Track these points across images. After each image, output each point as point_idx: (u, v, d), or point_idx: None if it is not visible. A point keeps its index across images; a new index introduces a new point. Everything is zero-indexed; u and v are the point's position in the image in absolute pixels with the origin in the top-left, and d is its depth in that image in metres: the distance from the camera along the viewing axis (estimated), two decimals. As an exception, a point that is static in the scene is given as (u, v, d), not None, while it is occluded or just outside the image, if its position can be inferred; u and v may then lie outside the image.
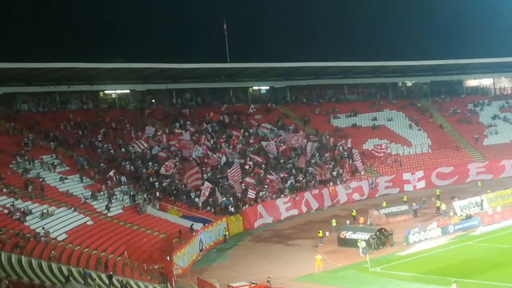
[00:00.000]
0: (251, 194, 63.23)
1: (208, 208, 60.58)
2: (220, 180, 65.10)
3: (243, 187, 64.13)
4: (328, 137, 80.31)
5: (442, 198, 64.25)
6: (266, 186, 66.33)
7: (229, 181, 64.37)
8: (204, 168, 65.20)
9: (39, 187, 54.36)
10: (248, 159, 69.68)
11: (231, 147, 71.51)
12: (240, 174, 65.21)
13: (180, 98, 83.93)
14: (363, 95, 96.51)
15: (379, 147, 78.73)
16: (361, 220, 58.17)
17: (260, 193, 64.92)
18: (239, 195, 63.26)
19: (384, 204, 62.58)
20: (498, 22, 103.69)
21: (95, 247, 48.05)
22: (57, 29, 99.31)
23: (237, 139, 74.02)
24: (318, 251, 45.64)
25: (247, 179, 65.71)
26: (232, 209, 61.50)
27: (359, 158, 74.82)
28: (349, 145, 78.81)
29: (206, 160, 67.12)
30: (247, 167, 68.20)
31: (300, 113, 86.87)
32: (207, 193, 60.31)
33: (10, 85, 69.49)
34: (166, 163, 63.20)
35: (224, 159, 68.00)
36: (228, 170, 64.65)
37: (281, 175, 68.89)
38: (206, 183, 61.08)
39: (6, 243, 42.50)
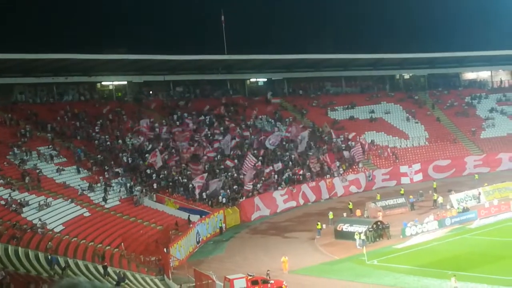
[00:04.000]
0: (248, 186, 63.21)
1: (205, 200, 60.59)
2: (218, 172, 65.12)
3: (251, 178, 64.07)
4: (321, 129, 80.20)
5: (439, 191, 64.36)
6: (263, 178, 66.33)
7: (232, 172, 64.61)
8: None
9: (36, 179, 54.28)
10: (245, 151, 69.62)
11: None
12: (253, 163, 65.64)
13: (178, 89, 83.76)
14: (361, 88, 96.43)
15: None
16: (358, 212, 58.26)
17: (258, 185, 65.00)
18: (237, 187, 63.26)
19: (378, 197, 62.63)
20: (496, 15, 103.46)
21: (92, 239, 48.05)
22: (55, 20, 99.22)
23: (234, 131, 73.93)
24: (284, 255, 45.19)
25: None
26: (224, 200, 61.44)
27: (360, 149, 74.78)
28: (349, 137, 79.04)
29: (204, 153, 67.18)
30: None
31: (298, 105, 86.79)
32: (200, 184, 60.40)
33: (7, 75, 69.40)
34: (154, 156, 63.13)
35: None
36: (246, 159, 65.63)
37: (278, 167, 68.82)
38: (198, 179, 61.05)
39: (3, 234, 42.48)
